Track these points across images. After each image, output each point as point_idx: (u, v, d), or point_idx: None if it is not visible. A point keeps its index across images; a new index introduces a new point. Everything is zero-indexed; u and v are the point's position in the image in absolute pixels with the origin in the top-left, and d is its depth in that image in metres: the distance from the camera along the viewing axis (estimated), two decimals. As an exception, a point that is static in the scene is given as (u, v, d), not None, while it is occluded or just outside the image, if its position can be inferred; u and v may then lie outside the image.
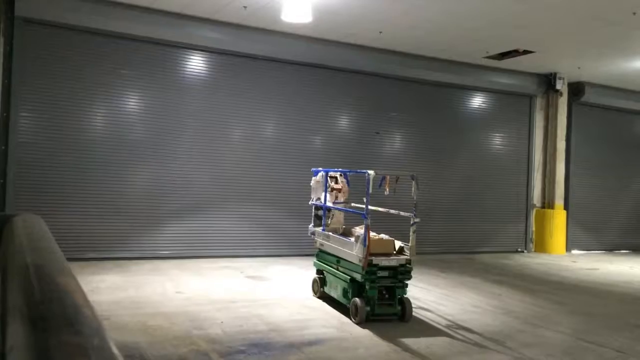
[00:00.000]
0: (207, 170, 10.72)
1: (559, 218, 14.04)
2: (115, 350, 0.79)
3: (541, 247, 14.04)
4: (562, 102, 14.12)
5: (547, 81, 13.78)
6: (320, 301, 7.30)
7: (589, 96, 14.23)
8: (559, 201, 14.16)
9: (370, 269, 6.25)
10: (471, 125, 13.50)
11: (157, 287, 7.81)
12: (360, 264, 6.26)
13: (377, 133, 12.27)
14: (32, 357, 0.78)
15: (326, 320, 6.41)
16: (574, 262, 12.69)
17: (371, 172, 6.41)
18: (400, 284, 6.45)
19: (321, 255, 7.45)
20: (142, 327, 5.80)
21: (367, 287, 6.30)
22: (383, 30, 10.46)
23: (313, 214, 7.88)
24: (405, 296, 6.51)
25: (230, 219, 10.86)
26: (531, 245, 14.14)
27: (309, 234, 7.85)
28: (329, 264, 7.18)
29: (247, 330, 5.85)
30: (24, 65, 9.29)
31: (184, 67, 10.59)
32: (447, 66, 12.53)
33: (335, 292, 6.98)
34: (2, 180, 9.14)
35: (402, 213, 6.80)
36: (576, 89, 14.20)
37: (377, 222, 7.23)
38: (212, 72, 10.81)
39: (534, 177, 14.21)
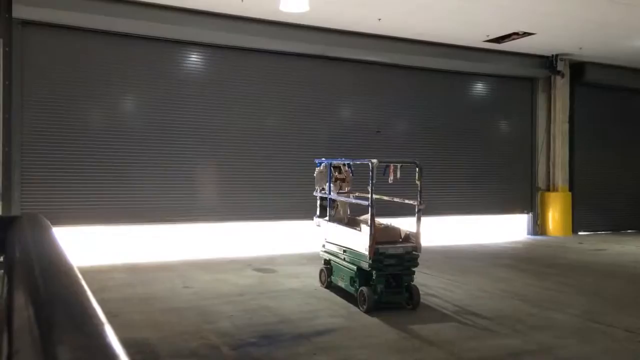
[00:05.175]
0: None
1: (564, 200, 14.00)
2: (121, 350, 0.78)
3: (547, 229, 14.01)
4: (564, 83, 13.99)
5: (549, 63, 13.66)
6: (327, 291, 7.32)
7: (591, 76, 14.06)
8: (564, 183, 14.11)
9: (377, 257, 6.25)
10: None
11: (166, 282, 7.84)
12: (367, 253, 6.27)
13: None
14: (38, 358, 0.78)
15: (334, 310, 6.43)
16: (581, 243, 12.67)
17: (374, 160, 6.40)
18: (407, 271, 6.46)
19: (327, 245, 7.45)
20: (152, 323, 5.83)
21: (374, 275, 6.31)
22: (382, 17, 10.39)
23: (318, 204, 7.88)
24: (412, 283, 6.52)
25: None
26: (537, 227, 14.11)
27: (315, 225, 7.85)
28: (335, 253, 7.19)
29: (256, 322, 5.88)
30: (24, 66, 9.27)
31: (184, 62, 10.55)
32: (447, 51, 12.41)
33: (343, 282, 6.99)
34: (7, 182, 9.16)
35: (407, 200, 6.79)
36: (578, 70, 14.05)
37: (383, 210, 7.22)
38: (211, 66, 10.77)
39: (538, 159, 14.15)
